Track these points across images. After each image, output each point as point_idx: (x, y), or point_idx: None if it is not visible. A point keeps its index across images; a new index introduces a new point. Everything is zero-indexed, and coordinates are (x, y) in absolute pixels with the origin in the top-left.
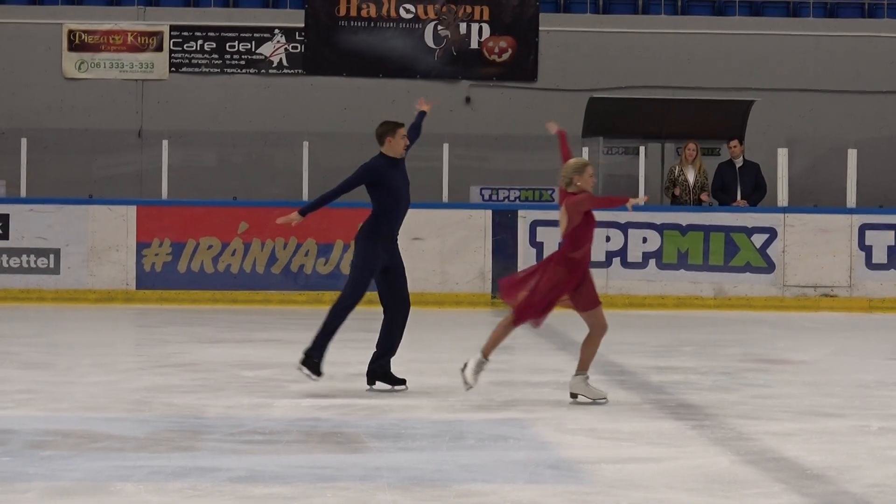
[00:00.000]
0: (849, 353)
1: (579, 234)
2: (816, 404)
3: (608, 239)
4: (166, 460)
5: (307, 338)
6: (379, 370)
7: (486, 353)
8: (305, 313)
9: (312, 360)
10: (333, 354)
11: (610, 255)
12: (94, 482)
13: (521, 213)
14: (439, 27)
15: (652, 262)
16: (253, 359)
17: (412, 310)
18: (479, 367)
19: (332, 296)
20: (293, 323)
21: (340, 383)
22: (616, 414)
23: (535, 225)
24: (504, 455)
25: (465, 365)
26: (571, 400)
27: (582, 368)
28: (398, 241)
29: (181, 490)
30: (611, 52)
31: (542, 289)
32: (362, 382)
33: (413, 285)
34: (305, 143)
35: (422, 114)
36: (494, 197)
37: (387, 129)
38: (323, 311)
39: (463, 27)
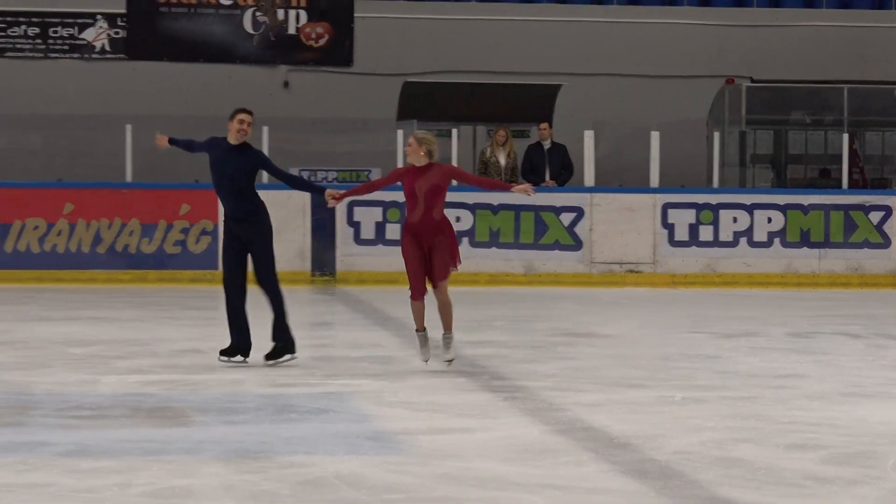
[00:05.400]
0: (653, 326)
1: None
2: (623, 376)
3: None
4: None
5: (133, 315)
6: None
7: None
8: (131, 291)
9: (286, 346)
10: (162, 332)
11: None
12: None
13: None
14: (258, 13)
15: (465, 240)
16: (79, 336)
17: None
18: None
19: (157, 274)
20: (119, 301)
21: (165, 359)
22: (432, 387)
23: (352, 205)
24: (325, 427)
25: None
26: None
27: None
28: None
29: (11, 465)
30: (424, 37)
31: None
32: (188, 358)
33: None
34: (128, 127)
35: (321, 193)
36: (313, 178)
37: (231, 114)
38: (148, 289)
39: (281, 13)
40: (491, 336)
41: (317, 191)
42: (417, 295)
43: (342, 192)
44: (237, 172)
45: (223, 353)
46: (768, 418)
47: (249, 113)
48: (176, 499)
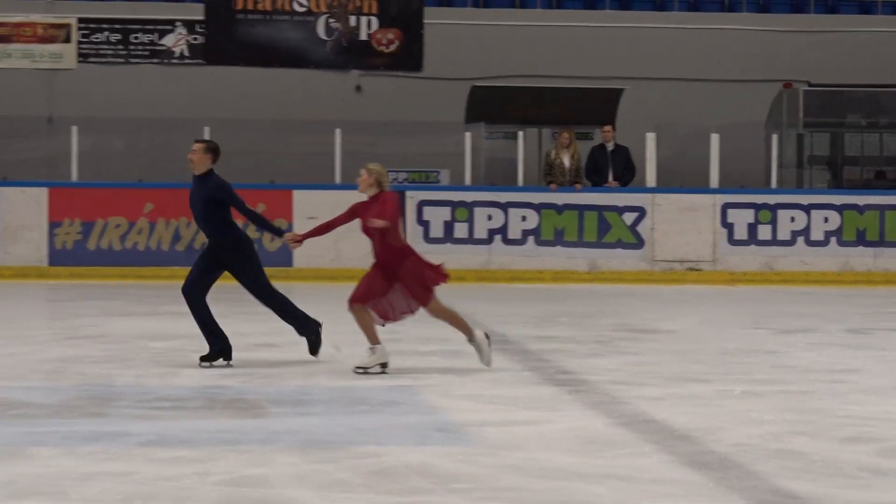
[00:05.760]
0: (713, 323)
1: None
2: (683, 371)
3: (490, 218)
4: (79, 426)
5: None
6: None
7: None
8: None
9: (314, 340)
10: (236, 326)
11: (492, 233)
12: (11, 446)
13: (408, 193)
14: (330, 20)
15: (531, 238)
16: (160, 331)
17: (306, 284)
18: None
19: None
20: None
21: (243, 353)
22: (499, 380)
23: (421, 204)
24: (395, 419)
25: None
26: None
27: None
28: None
29: (93, 454)
30: (491, 43)
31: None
32: (263, 352)
33: (309, 261)
34: (206, 129)
35: (279, 235)
36: None
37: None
38: (225, 285)
39: (353, 20)
40: (555, 331)
41: (275, 232)
42: (355, 298)
43: (301, 234)
44: (198, 203)
45: (204, 358)
46: (825, 412)
47: (199, 141)
48: (251, 487)
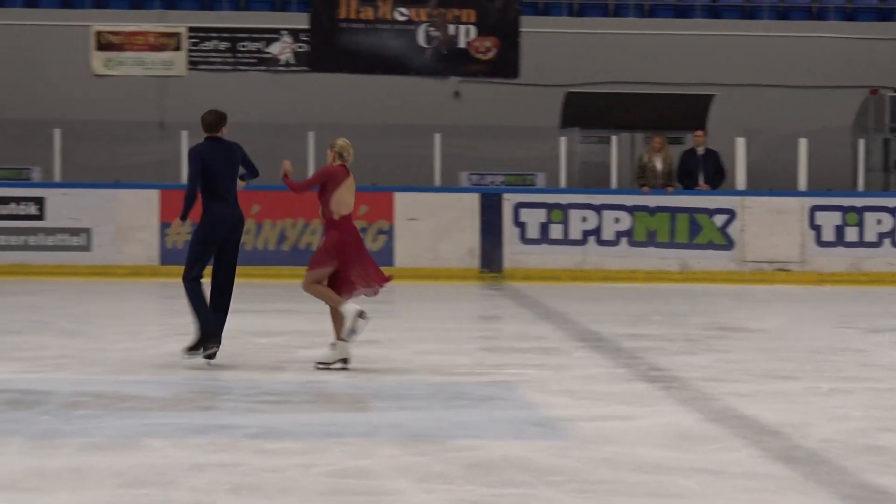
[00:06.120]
0: (801, 322)
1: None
2: (773, 368)
3: (584, 219)
4: (188, 418)
5: (314, 308)
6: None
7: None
8: None
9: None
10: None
11: (586, 234)
12: (124, 438)
13: (505, 195)
14: (430, 29)
15: (624, 240)
16: (266, 327)
17: (407, 283)
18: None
19: None
20: (301, 295)
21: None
22: (593, 377)
23: (518, 206)
24: (493, 414)
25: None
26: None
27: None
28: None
29: (202, 445)
30: (585, 50)
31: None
32: (365, 348)
33: (409, 261)
34: (311, 134)
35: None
36: (481, 181)
37: (222, 118)
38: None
39: (452, 29)
40: (648, 330)
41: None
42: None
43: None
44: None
45: (202, 354)
46: None
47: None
48: (354, 478)
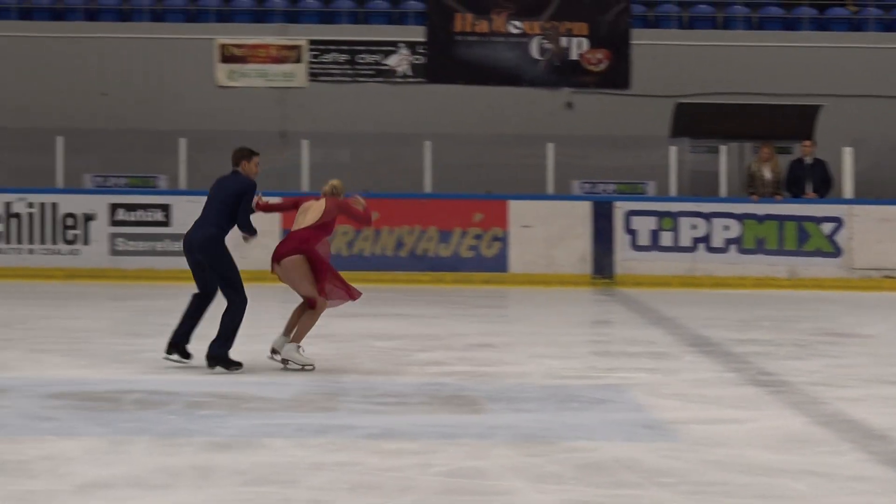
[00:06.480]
0: None
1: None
2: (881, 373)
3: (694, 227)
4: (309, 419)
5: (431, 312)
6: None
7: (297, 340)
8: (429, 291)
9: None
10: (457, 327)
11: (696, 241)
12: (246, 437)
13: (616, 203)
14: (543, 41)
15: (733, 247)
16: (384, 331)
17: (521, 288)
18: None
19: (453, 275)
20: (418, 300)
21: (460, 352)
22: (703, 381)
23: (629, 214)
24: (605, 416)
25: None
26: (279, 362)
27: (297, 339)
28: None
29: (322, 445)
30: (695, 62)
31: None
32: (480, 351)
33: (523, 267)
34: (427, 143)
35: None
36: (593, 190)
37: (244, 154)
38: (444, 289)
39: (564, 41)
40: (757, 335)
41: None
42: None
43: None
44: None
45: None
46: None
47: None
48: (469, 478)
